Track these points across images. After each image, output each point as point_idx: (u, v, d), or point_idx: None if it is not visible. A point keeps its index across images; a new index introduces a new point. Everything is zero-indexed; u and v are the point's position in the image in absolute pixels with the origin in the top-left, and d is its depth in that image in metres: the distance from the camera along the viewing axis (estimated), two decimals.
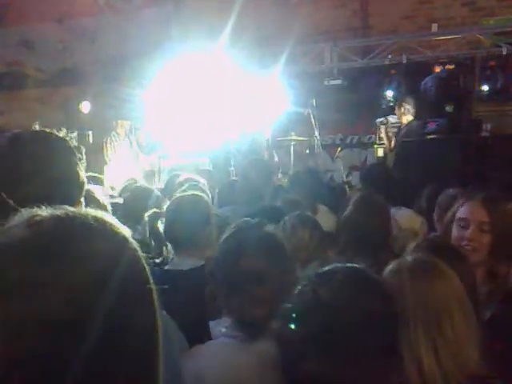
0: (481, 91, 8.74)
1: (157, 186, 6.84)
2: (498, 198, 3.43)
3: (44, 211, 0.83)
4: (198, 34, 9.04)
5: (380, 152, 9.13)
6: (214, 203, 4.29)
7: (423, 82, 7.35)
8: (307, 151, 9.72)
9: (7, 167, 1.44)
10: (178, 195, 3.18)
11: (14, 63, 11.35)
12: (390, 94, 9.45)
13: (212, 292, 1.88)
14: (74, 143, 8.73)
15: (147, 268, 0.87)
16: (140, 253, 0.87)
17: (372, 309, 1.23)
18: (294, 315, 1.24)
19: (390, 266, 1.67)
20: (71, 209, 0.85)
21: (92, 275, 0.77)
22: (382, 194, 4.25)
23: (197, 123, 9.00)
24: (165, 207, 3.07)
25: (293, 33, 8.77)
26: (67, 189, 1.46)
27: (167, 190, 4.60)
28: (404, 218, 4.35)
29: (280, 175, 7.97)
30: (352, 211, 3.07)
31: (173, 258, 2.89)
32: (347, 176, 9.73)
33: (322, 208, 4.25)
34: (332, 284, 1.27)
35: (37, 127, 7.95)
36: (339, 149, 9.88)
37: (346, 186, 7.74)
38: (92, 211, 0.86)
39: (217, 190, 4.62)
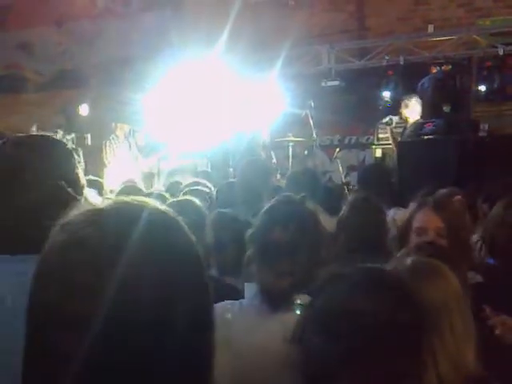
0: (478, 91, 8.77)
1: (156, 188, 6.87)
2: (446, 197, 3.46)
3: (101, 203, 0.82)
4: (196, 38, 9.07)
5: (378, 152, 9.16)
6: (213, 204, 4.31)
7: (420, 83, 7.38)
8: (305, 152, 9.75)
9: (11, 171, 1.47)
10: (170, 201, 3.23)
11: (13, 66, 11.36)
12: (387, 94, 9.48)
13: (248, 259, 1.89)
14: (72, 145, 8.75)
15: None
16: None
17: (402, 313, 1.19)
18: (323, 325, 1.21)
19: (388, 267, 1.66)
20: (127, 199, 0.83)
21: (168, 275, 0.76)
22: (379, 195, 4.29)
23: (195, 126, 9.03)
24: None
25: (290, 36, 8.80)
26: (67, 191, 1.47)
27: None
28: (403, 218, 4.37)
29: (278, 176, 7.99)
30: (348, 212, 3.10)
31: None
32: (345, 177, 9.75)
33: (319, 210, 4.26)
34: (356, 289, 1.22)
35: (34, 130, 7.97)
36: (337, 149, 9.91)
37: (345, 187, 7.77)
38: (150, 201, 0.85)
39: (215, 191, 4.64)
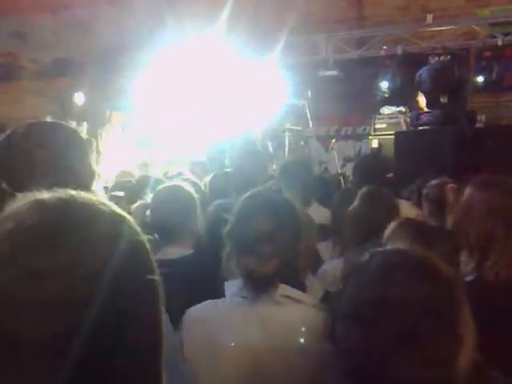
0: (476, 82, 8.73)
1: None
2: (438, 186, 3.41)
3: (46, 194, 0.83)
4: (192, 24, 8.97)
5: (374, 143, 9.13)
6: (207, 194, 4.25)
7: (418, 73, 7.32)
8: (301, 143, 9.70)
9: (22, 155, 1.46)
10: (161, 187, 3.17)
11: (8, 54, 11.27)
12: (384, 85, 9.44)
13: (228, 255, 1.91)
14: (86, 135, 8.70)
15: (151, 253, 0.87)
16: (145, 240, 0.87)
17: (439, 295, 1.18)
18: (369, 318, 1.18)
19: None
20: (72, 191, 0.85)
21: (98, 260, 0.77)
22: (374, 186, 4.24)
23: (192, 114, 8.98)
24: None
25: (288, 24, 8.72)
26: (80, 177, 1.48)
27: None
28: (401, 209, 4.34)
29: (274, 166, 7.95)
30: (360, 205, 3.06)
31: (161, 248, 2.88)
32: (341, 167, 9.72)
33: (312, 200, 4.22)
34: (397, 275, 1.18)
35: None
36: (333, 140, 9.87)
37: (341, 178, 7.73)
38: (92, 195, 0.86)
39: (208, 181, 4.58)
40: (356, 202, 3.14)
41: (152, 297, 0.85)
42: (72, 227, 0.78)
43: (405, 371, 1.12)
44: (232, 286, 1.87)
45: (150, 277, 0.85)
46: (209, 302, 1.89)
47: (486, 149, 5.98)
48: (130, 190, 4.25)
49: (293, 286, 1.83)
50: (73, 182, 1.38)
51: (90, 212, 0.82)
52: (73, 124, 9.01)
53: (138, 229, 0.86)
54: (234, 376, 1.69)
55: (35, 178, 1.38)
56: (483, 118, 7.73)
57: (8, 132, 1.53)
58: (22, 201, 0.83)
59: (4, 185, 1.36)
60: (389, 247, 1.32)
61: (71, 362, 0.73)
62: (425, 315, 1.15)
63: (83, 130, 8.85)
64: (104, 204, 0.85)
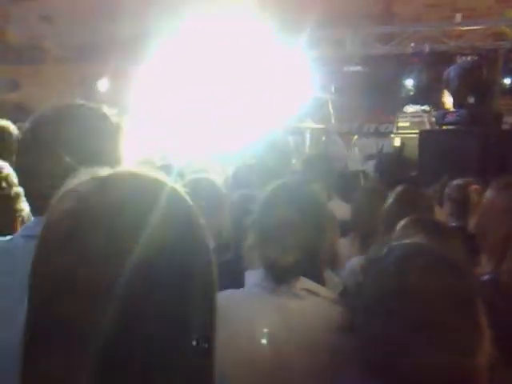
0: (503, 84, 8.61)
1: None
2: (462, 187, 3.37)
3: (105, 171, 0.81)
4: (217, 12, 8.93)
5: (397, 141, 9.04)
6: (229, 186, 4.24)
7: (446, 71, 7.23)
8: (323, 138, 9.64)
9: (52, 135, 1.44)
10: (190, 178, 3.15)
11: (34, 37, 11.35)
12: (409, 82, 9.35)
13: (250, 245, 1.90)
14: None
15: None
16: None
17: (455, 285, 1.19)
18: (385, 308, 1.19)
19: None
20: (134, 170, 0.83)
21: (160, 246, 0.75)
22: (396, 184, 4.19)
23: (217, 104, 8.94)
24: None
25: (315, 16, 8.65)
26: (106, 162, 1.46)
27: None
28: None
29: (294, 161, 7.90)
30: (395, 204, 3.02)
31: None
32: (363, 165, 9.65)
33: (333, 195, 4.19)
34: (417, 267, 1.20)
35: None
36: (355, 137, 9.79)
37: (361, 175, 7.67)
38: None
39: (231, 173, 4.57)
40: (390, 201, 3.09)
41: (210, 276, 0.82)
42: (131, 212, 0.75)
43: (424, 359, 1.12)
44: (252, 276, 1.86)
45: (209, 264, 0.83)
46: (228, 291, 1.87)
47: (511, 150, 5.89)
48: None
49: (312, 280, 1.81)
50: (100, 165, 1.38)
51: (149, 191, 0.78)
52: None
53: (197, 214, 0.84)
54: (255, 366, 1.67)
55: (63, 159, 1.37)
56: (510, 120, 7.63)
57: (38, 113, 1.50)
58: (80, 178, 0.80)
59: (68, 159, 1.34)
60: (405, 241, 1.31)
61: (126, 352, 0.71)
62: (443, 303, 1.16)
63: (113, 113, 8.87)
64: (161, 180, 0.82)
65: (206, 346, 0.80)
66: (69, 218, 0.75)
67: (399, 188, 3.16)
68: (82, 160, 1.36)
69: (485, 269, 2.16)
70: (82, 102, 1.59)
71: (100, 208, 0.74)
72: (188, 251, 0.78)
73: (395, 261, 1.22)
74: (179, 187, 0.84)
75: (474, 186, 3.94)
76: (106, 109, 1.56)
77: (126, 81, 9.85)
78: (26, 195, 1.49)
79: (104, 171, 0.81)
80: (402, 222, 2.30)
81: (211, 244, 0.85)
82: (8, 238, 1.52)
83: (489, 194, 2.22)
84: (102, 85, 9.93)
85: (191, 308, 0.77)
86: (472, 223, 3.53)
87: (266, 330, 1.71)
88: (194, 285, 0.78)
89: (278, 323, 1.72)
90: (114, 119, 1.56)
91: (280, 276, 1.77)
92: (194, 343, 0.77)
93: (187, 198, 0.84)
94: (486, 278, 2.07)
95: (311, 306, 1.73)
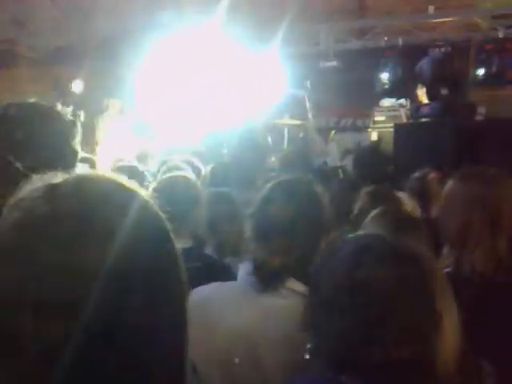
0: (476, 75, 8.69)
1: (148, 168, 6.78)
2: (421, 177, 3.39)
3: (57, 177, 0.78)
4: (192, 11, 8.90)
5: (374, 136, 9.09)
6: (207, 184, 4.23)
7: (418, 65, 7.29)
8: (301, 134, 9.65)
9: (2, 133, 1.46)
10: (164, 176, 3.14)
11: (5, 41, 11.19)
12: (385, 76, 9.39)
13: (248, 237, 1.89)
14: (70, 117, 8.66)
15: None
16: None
17: (412, 275, 1.19)
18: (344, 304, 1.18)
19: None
20: (86, 173, 0.80)
21: (110, 256, 0.72)
22: (373, 178, 4.21)
23: (190, 103, 8.92)
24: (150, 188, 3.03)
25: (288, 14, 8.66)
26: (62, 157, 1.46)
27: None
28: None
29: (273, 158, 7.90)
30: (366, 204, 3.04)
31: None
32: (341, 160, 9.67)
33: None
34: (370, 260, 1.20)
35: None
36: (333, 132, 9.81)
37: (340, 171, 7.69)
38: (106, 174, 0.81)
39: (209, 171, 4.56)
40: (361, 202, 3.10)
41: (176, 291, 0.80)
42: (84, 219, 0.72)
43: (385, 353, 1.13)
44: (244, 268, 1.84)
45: (175, 266, 0.80)
46: (216, 283, 1.87)
47: (485, 141, 5.95)
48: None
49: (304, 280, 1.80)
50: (54, 162, 1.37)
51: (102, 196, 0.75)
52: (70, 107, 9.00)
53: (157, 210, 0.81)
54: (228, 358, 1.67)
55: (15, 159, 1.36)
56: (483, 110, 7.70)
57: None
58: (32, 185, 0.78)
59: (18, 164, 1.32)
60: (359, 233, 1.31)
61: (75, 367, 0.69)
62: (396, 294, 1.15)
63: (80, 117, 8.80)
64: (116, 182, 0.79)
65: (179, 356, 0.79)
66: (15, 229, 0.72)
67: (368, 188, 3.18)
68: (36, 160, 1.36)
69: (446, 259, 2.20)
70: (33, 101, 1.57)
71: (48, 217, 0.72)
72: (148, 256, 0.76)
73: (347, 256, 1.21)
74: (137, 190, 0.81)
75: (432, 175, 4.00)
76: (58, 108, 1.55)
77: (101, 81, 9.78)
78: None
79: (54, 177, 0.78)
80: (370, 215, 2.33)
81: (178, 249, 0.83)
82: None
83: (450, 183, 2.25)
84: (77, 86, 9.83)
85: (161, 319, 0.76)
86: (434, 212, 3.58)
87: (239, 322, 1.71)
88: (161, 292, 0.76)
89: (255, 320, 1.72)
90: (66, 118, 1.55)
91: (265, 276, 1.76)
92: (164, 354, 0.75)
93: (146, 201, 0.81)
94: (447, 270, 2.09)
95: (292, 305, 1.73)
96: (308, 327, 1.26)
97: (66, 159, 1.47)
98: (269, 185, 1.92)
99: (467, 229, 2.10)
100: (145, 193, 0.82)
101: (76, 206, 0.73)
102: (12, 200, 0.77)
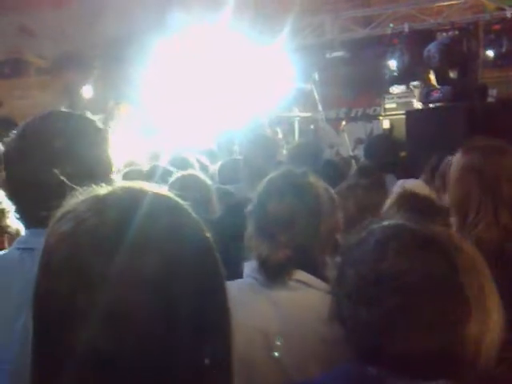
0: (485, 56, 8.61)
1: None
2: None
3: (103, 189, 0.80)
4: (198, 10, 8.91)
5: (386, 124, 9.03)
6: (215, 181, 4.25)
7: (426, 49, 7.22)
8: (311, 126, 9.64)
9: (39, 145, 1.42)
10: (178, 175, 3.16)
11: (14, 51, 11.29)
12: (393, 63, 9.34)
13: (249, 234, 1.87)
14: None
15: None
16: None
17: (436, 266, 1.17)
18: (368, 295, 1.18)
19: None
20: (131, 185, 0.81)
21: (171, 260, 0.74)
22: (386, 166, 4.19)
23: (200, 102, 8.94)
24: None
25: (293, 6, 8.63)
26: (99, 167, 1.46)
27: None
28: (412, 188, 4.30)
29: (284, 151, 7.89)
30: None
31: None
32: (353, 150, 9.64)
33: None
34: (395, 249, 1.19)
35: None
36: (344, 122, 9.78)
37: (353, 160, 7.66)
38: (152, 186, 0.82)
39: (217, 168, 4.57)
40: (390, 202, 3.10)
41: (222, 298, 0.82)
42: (132, 229, 0.73)
43: (409, 343, 1.12)
44: (249, 267, 1.85)
45: (219, 275, 0.81)
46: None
47: (498, 123, 5.89)
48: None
49: (310, 271, 1.80)
50: (92, 171, 1.38)
51: (152, 209, 0.76)
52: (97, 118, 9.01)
53: (202, 224, 0.83)
54: (246, 357, 1.67)
55: (54, 168, 1.36)
56: (494, 92, 7.63)
57: (23, 123, 1.50)
58: (79, 197, 0.79)
59: (64, 178, 1.33)
60: (385, 222, 1.30)
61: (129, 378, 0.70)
62: (423, 284, 1.15)
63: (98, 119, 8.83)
64: (165, 196, 0.81)
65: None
66: (64, 241, 0.74)
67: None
68: (75, 170, 1.37)
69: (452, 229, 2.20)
70: (67, 110, 1.58)
71: (98, 228, 0.73)
72: (196, 264, 0.77)
73: (373, 246, 1.21)
74: (177, 198, 0.83)
75: (447, 161, 3.97)
76: (90, 115, 1.55)
77: (110, 85, 9.82)
78: (17, 207, 1.48)
79: (101, 189, 0.80)
80: (391, 197, 2.30)
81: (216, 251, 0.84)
82: (4, 251, 1.54)
83: (455, 156, 2.27)
84: (86, 91, 9.89)
85: (210, 323, 0.77)
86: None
87: (255, 320, 1.72)
88: (208, 298, 0.78)
89: (270, 316, 1.72)
90: (100, 125, 1.55)
91: (272, 271, 1.77)
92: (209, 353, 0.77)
93: (188, 209, 0.83)
94: None
95: (302, 297, 1.73)
96: (334, 319, 1.25)
97: (104, 168, 1.47)
98: (264, 181, 1.92)
99: (468, 199, 2.13)
100: (184, 202, 0.83)
101: (123, 217, 0.74)
102: (59, 212, 0.78)
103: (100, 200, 0.77)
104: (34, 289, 0.76)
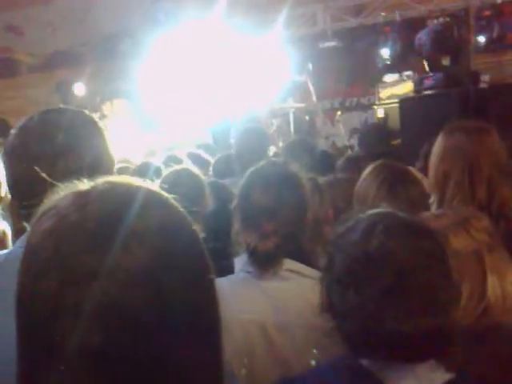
0: (477, 42, 8.60)
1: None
2: None
3: (85, 185, 0.78)
4: (190, 4, 8.88)
5: (380, 113, 9.03)
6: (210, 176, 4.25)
7: (417, 37, 7.23)
8: (306, 117, 9.62)
9: (42, 139, 1.41)
10: (170, 170, 3.15)
11: (4, 50, 11.22)
12: (385, 52, 9.33)
13: (237, 229, 1.91)
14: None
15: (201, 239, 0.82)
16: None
17: (429, 248, 1.20)
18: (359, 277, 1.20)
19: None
20: (114, 179, 0.79)
21: (156, 253, 0.73)
22: (380, 155, 4.18)
23: (196, 96, 8.92)
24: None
25: None
26: (102, 163, 1.45)
27: None
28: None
29: (281, 144, 7.89)
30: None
31: None
32: (349, 140, 9.65)
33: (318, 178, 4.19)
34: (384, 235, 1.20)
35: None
36: (339, 112, 9.77)
37: (349, 150, 7.67)
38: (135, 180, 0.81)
39: (212, 163, 4.57)
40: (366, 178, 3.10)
41: (211, 291, 0.81)
42: (115, 223, 0.72)
43: (399, 323, 1.13)
44: (239, 262, 1.87)
45: (207, 269, 0.80)
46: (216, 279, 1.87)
47: (491, 108, 5.90)
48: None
49: (299, 260, 1.81)
50: (95, 167, 1.38)
51: (136, 203, 0.75)
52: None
53: (189, 218, 0.81)
54: (245, 351, 1.68)
55: (57, 164, 1.36)
56: (487, 77, 7.62)
57: (24, 120, 1.48)
58: (60, 194, 0.77)
59: (44, 175, 1.32)
60: (371, 211, 1.32)
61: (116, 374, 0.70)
62: (413, 262, 1.16)
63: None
64: (150, 190, 0.79)
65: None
66: (48, 237, 0.73)
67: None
68: (78, 164, 1.36)
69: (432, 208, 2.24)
70: (65, 107, 1.57)
71: (81, 224, 0.72)
72: (184, 257, 0.76)
73: (361, 231, 1.22)
74: (163, 192, 0.81)
75: None
76: (88, 112, 1.55)
77: (103, 81, 9.79)
78: (19, 205, 1.46)
79: (83, 185, 0.78)
80: (368, 168, 2.35)
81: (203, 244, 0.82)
82: (7, 251, 1.54)
83: (439, 137, 2.33)
84: (78, 89, 9.86)
85: (200, 317, 0.77)
86: None
87: (251, 314, 1.72)
88: (197, 292, 0.77)
89: (266, 308, 1.73)
90: (98, 120, 1.55)
91: (262, 261, 1.78)
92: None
93: (174, 203, 0.81)
94: None
95: (296, 287, 1.74)
96: (325, 308, 1.26)
97: (107, 162, 1.46)
98: (246, 174, 1.94)
99: (446, 177, 2.18)
100: (171, 196, 0.82)
101: (107, 211, 0.74)
102: (40, 210, 0.77)
103: (82, 195, 0.76)
104: (18, 290, 0.75)
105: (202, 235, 0.83)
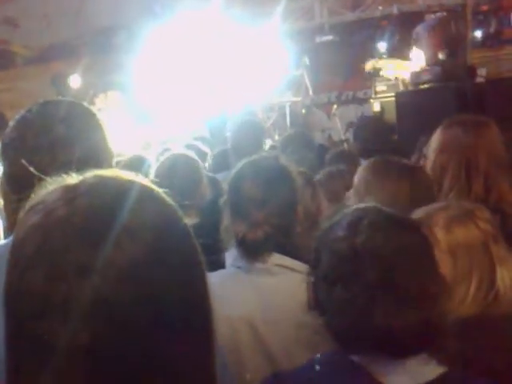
0: (474, 37, 8.60)
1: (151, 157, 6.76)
2: None
3: (73, 179, 0.76)
4: None
5: (376, 106, 9.01)
6: (209, 169, 4.24)
7: (415, 31, 7.22)
8: (303, 111, 9.62)
9: (41, 131, 1.39)
10: (168, 155, 3.13)
11: (0, 42, 11.18)
12: (382, 46, 9.31)
13: (226, 224, 1.91)
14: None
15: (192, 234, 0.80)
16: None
17: (414, 242, 1.20)
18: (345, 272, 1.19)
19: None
20: (103, 173, 0.78)
21: (144, 249, 0.71)
22: (376, 149, 4.18)
23: (192, 89, 8.90)
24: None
25: None
26: (101, 155, 1.43)
27: None
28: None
29: (277, 137, 7.88)
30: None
31: None
32: (345, 133, 9.64)
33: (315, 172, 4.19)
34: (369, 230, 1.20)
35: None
36: (335, 106, 9.76)
37: (345, 144, 7.66)
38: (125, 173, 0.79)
39: (210, 156, 4.57)
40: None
41: (202, 285, 0.79)
42: (104, 217, 0.70)
43: (388, 318, 1.12)
44: (229, 256, 1.87)
45: (198, 263, 0.79)
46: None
47: (488, 103, 5.90)
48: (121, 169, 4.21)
49: (290, 254, 1.81)
50: (95, 160, 1.36)
51: (125, 197, 0.73)
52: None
53: (179, 211, 0.79)
54: (233, 347, 1.68)
55: (56, 156, 1.34)
56: (484, 71, 7.62)
57: (23, 111, 1.45)
58: (49, 188, 0.76)
59: (32, 169, 1.30)
60: (355, 206, 1.32)
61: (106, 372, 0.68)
62: (399, 256, 1.16)
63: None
64: (139, 183, 0.77)
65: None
66: (36, 232, 0.71)
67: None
68: (78, 156, 1.34)
69: None
70: (64, 99, 1.55)
71: (69, 218, 0.70)
72: (170, 251, 0.75)
73: (346, 226, 1.22)
74: (152, 185, 0.80)
75: None
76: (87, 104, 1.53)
77: (98, 74, 9.76)
78: (19, 198, 1.44)
79: (71, 179, 0.76)
80: (364, 163, 2.35)
81: (194, 241, 0.81)
82: (5, 241, 1.51)
83: (437, 131, 2.34)
84: (74, 81, 9.82)
85: (193, 314, 0.76)
86: None
87: (240, 310, 1.71)
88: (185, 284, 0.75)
89: (254, 304, 1.73)
90: (95, 112, 1.53)
91: (251, 251, 1.77)
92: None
93: (164, 196, 0.79)
94: None
95: (286, 282, 1.73)
96: (313, 305, 1.25)
97: (106, 154, 1.44)
98: (236, 168, 1.94)
99: (443, 170, 2.20)
100: (161, 189, 0.80)
101: (95, 205, 0.72)
102: (28, 205, 0.76)
103: (71, 189, 0.74)
104: (5, 286, 0.73)
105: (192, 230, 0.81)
